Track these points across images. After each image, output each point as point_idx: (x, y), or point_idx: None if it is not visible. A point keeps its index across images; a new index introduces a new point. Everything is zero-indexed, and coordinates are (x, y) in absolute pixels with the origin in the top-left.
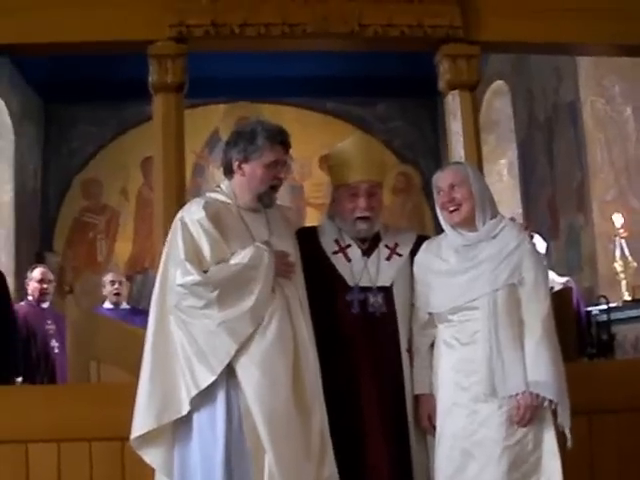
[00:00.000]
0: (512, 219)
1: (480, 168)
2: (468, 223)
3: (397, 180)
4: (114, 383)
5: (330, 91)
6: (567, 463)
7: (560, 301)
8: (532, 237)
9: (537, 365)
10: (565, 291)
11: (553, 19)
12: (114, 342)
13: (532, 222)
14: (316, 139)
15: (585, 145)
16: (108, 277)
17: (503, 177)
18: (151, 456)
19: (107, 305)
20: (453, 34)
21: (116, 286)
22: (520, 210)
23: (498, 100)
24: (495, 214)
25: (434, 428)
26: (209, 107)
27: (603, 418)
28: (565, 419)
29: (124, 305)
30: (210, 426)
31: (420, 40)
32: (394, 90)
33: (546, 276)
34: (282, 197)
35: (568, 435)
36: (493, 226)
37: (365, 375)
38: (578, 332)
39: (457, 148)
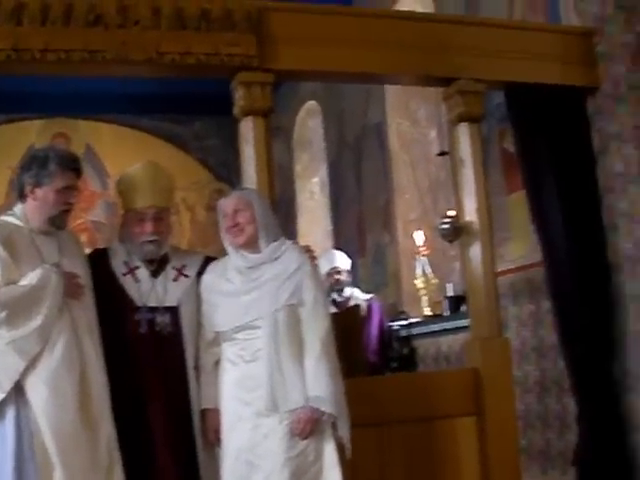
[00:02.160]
0: (295, 243)
1: (272, 194)
2: (251, 246)
3: (211, 197)
4: None
5: (146, 108)
6: (358, 473)
7: (348, 319)
8: (314, 259)
9: (316, 381)
10: (352, 309)
11: (349, 49)
12: None
13: (341, 240)
14: (132, 156)
15: (391, 166)
16: None
17: (315, 195)
18: None
19: None
20: (248, 62)
21: None
22: (330, 228)
23: (311, 120)
24: (278, 237)
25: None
26: (25, 122)
27: (392, 429)
28: (344, 431)
29: None
30: (1, 442)
31: (217, 68)
32: (210, 108)
33: (325, 296)
34: (97, 214)
35: (348, 446)
36: (275, 249)
37: (153, 391)
38: (381, 347)
39: (249, 172)
